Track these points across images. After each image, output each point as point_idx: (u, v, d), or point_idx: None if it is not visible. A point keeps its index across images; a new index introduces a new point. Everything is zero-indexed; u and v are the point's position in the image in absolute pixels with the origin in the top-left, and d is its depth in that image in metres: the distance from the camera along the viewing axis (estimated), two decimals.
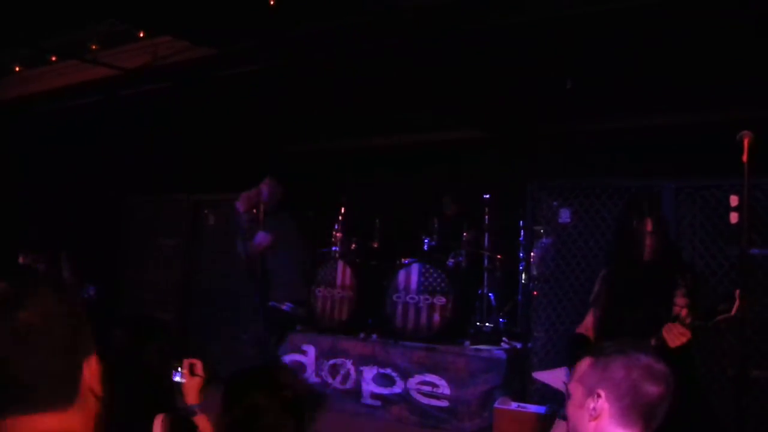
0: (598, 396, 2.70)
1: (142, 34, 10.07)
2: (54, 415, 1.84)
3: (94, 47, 10.38)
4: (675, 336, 4.89)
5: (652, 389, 2.65)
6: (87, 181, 7.98)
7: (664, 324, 4.97)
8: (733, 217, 6.48)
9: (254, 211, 9.06)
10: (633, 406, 2.66)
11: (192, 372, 4.07)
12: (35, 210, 11.17)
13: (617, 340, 3.00)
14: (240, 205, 9.19)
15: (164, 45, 10.07)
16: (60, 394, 1.88)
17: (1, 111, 12.81)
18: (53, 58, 11.19)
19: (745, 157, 4.96)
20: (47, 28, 10.19)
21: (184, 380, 4.07)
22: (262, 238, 9.01)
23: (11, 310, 1.85)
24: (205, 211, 11.94)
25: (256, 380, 3.41)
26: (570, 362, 4.92)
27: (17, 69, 11.76)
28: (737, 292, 4.75)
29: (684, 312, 4.96)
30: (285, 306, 8.90)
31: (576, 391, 2.79)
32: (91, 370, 1.93)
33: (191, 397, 4.02)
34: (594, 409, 2.69)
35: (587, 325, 5.82)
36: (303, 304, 9.50)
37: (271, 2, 8.24)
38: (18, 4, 9.14)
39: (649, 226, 5.56)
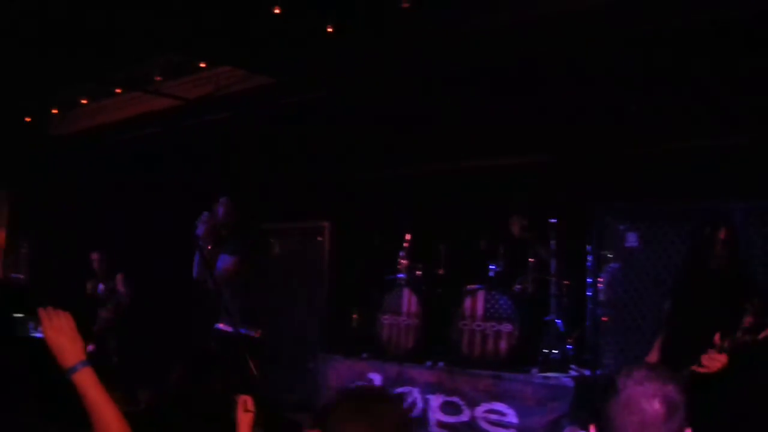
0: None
1: (203, 65, 10.16)
2: None
3: (157, 79, 10.51)
4: (710, 361, 4.81)
5: (631, 417, 2.49)
6: (152, 209, 8.04)
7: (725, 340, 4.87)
8: None
9: (215, 234, 8.68)
10: None
11: (245, 408, 4.00)
12: (100, 235, 11.30)
13: (633, 367, 2.85)
14: (199, 231, 8.75)
15: (224, 75, 10.15)
16: None
17: (69, 142, 13.01)
18: (118, 91, 11.34)
19: None
20: (112, 63, 10.34)
21: (238, 416, 3.99)
22: (225, 261, 8.59)
23: None
24: (271, 240, 11.96)
25: (355, 408, 3.37)
26: None
27: (84, 102, 11.94)
28: None
29: (717, 337, 4.87)
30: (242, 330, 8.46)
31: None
32: None
33: None
34: None
35: (653, 356, 5.70)
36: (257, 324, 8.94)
37: (329, 30, 8.25)
38: (84, 40, 9.28)
39: (722, 235, 5.45)
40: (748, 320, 5.04)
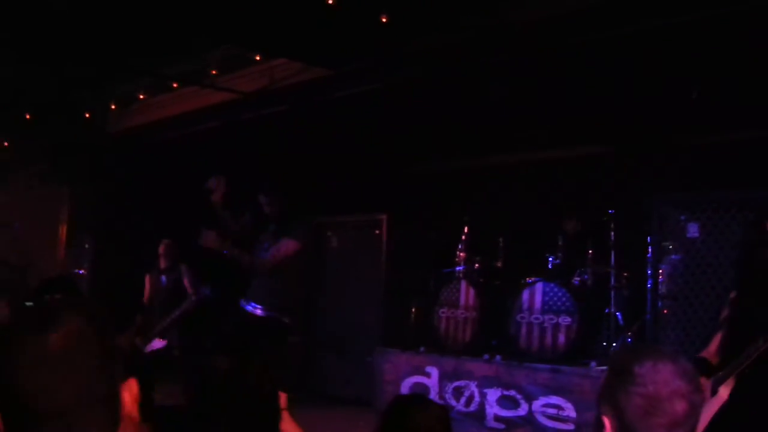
0: (603, 425, 2.47)
1: (258, 58, 10.15)
2: None
3: (213, 72, 10.52)
4: None
5: (660, 419, 2.39)
6: (209, 204, 8.03)
7: None
8: None
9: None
10: None
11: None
12: (159, 231, 11.34)
13: (636, 347, 2.73)
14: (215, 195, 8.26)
15: (280, 67, 10.13)
16: (102, 422, 1.78)
17: (127, 138, 13.11)
18: (174, 85, 11.39)
19: None
20: (168, 57, 10.38)
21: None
22: (287, 246, 8.11)
23: (41, 333, 1.75)
24: (329, 233, 11.96)
25: (419, 405, 3.35)
26: None
27: (142, 97, 12.01)
28: None
29: None
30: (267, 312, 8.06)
31: (597, 408, 2.59)
32: (131, 395, 1.85)
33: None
34: None
35: (712, 349, 5.55)
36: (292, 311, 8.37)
37: (383, 19, 8.19)
38: (140, 35, 9.33)
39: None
40: None
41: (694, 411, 2.39)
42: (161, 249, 10.47)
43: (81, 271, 14.37)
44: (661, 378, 2.39)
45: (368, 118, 10.53)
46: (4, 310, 5.62)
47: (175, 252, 10.45)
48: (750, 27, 7.34)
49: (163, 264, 10.41)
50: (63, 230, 14.66)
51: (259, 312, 7.95)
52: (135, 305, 10.20)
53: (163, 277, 10.40)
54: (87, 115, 13.04)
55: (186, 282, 10.15)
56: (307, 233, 8.47)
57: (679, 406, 2.36)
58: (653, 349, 2.60)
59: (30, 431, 1.74)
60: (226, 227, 8.06)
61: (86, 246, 14.33)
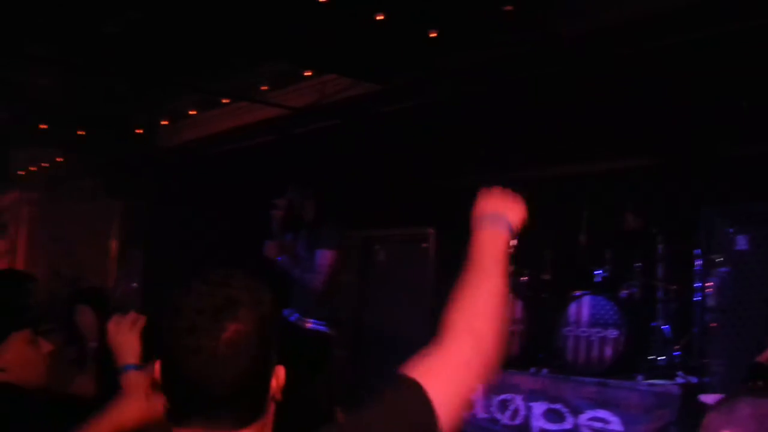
0: None
1: (308, 74, 10.26)
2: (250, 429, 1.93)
3: (263, 88, 10.64)
4: None
5: None
6: (261, 220, 8.12)
7: None
8: None
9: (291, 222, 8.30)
10: None
11: None
12: (212, 248, 11.44)
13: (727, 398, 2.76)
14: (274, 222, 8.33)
15: (330, 83, 10.24)
16: (259, 406, 1.98)
17: (178, 153, 13.27)
18: (225, 101, 11.53)
19: None
20: (218, 73, 10.52)
21: None
22: (324, 257, 8.04)
23: (217, 322, 1.91)
24: (376, 247, 11.98)
25: None
26: (745, 392, 4.64)
27: (192, 113, 12.17)
28: None
29: None
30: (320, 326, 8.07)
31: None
32: (278, 381, 2.04)
33: None
34: None
35: (765, 353, 5.52)
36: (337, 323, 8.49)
37: (432, 35, 8.26)
38: (190, 52, 9.47)
39: None
40: None
41: None
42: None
43: (133, 285, 14.54)
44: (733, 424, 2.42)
45: (416, 132, 10.59)
46: (89, 317, 5.70)
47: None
48: None
49: None
50: (114, 244, 14.86)
51: (304, 323, 8.00)
52: None
53: None
54: (139, 131, 13.22)
55: None
56: (341, 238, 8.44)
57: None
58: (741, 394, 2.61)
59: (195, 414, 1.90)
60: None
61: (137, 260, 14.51)
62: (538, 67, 8.87)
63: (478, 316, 2.45)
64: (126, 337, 3.20)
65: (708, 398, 5.85)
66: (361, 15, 8.24)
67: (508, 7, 8.04)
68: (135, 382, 3.11)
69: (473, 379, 2.31)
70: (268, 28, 8.71)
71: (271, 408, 2.03)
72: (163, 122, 12.86)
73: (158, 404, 2.01)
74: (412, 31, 8.51)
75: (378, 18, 8.14)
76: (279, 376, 2.05)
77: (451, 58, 9.00)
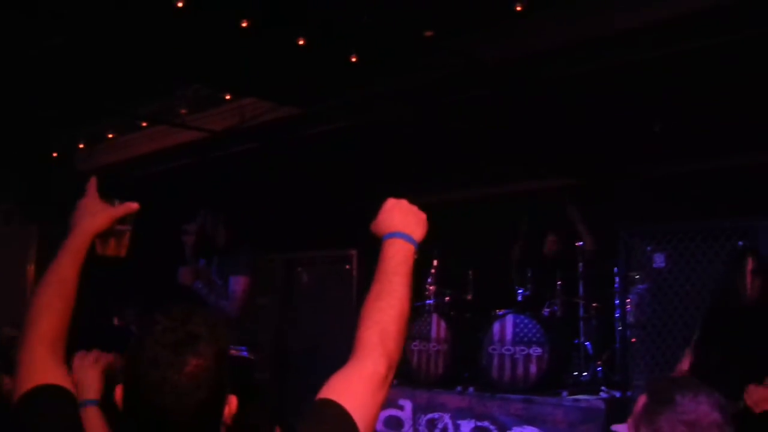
0: None
1: (228, 97, 10.26)
2: None
3: (182, 112, 10.61)
4: (760, 400, 4.75)
5: None
6: (178, 245, 8.09)
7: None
8: None
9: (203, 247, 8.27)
10: None
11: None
12: (129, 273, 11.33)
13: (676, 379, 2.92)
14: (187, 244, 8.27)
15: (250, 106, 10.24)
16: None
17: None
18: (144, 124, 11.46)
19: None
20: (138, 97, 10.46)
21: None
22: (237, 283, 7.94)
23: (178, 356, 2.09)
24: (299, 269, 12.02)
25: None
26: None
27: (110, 136, 12.07)
28: None
29: None
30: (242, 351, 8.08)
31: (631, 430, 2.72)
32: (230, 408, 2.27)
33: None
34: None
35: (682, 368, 5.69)
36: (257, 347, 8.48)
37: (353, 59, 8.33)
38: (109, 75, 9.40)
39: (749, 265, 5.43)
40: None
41: None
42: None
43: None
44: (702, 409, 2.55)
45: (337, 155, 10.66)
46: None
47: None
48: (711, 62, 7.56)
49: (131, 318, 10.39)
50: (31, 270, 14.60)
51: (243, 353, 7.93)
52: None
53: (133, 327, 10.31)
54: (54, 154, 13.05)
55: None
56: (254, 263, 8.37)
57: None
58: (691, 380, 2.75)
59: None
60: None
61: None
62: (459, 91, 8.99)
63: (389, 333, 2.62)
64: (88, 373, 3.25)
65: (619, 428, 5.98)
66: (282, 39, 8.26)
67: (429, 33, 8.14)
68: (94, 416, 3.15)
69: (386, 394, 2.44)
70: (187, 52, 8.68)
71: None
72: (81, 146, 12.72)
73: None
74: (333, 56, 8.55)
75: (299, 42, 8.17)
76: (231, 404, 2.28)
77: (372, 82, 9.07)
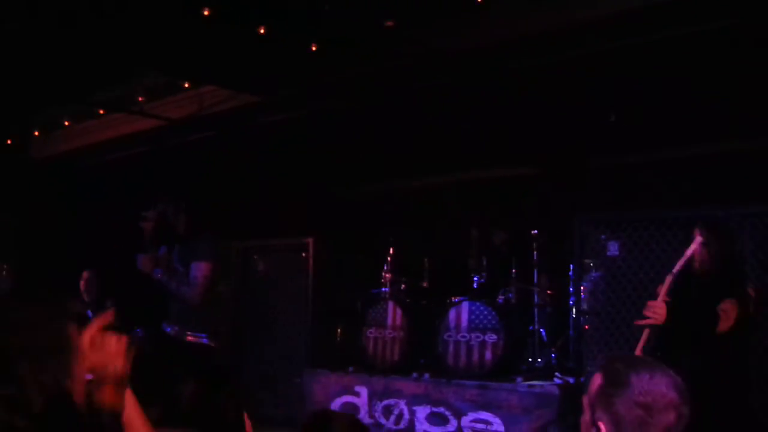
0: (599, 429, 2.68)
1: (187, 85, 10.25)
2: None
3: (140, 99, 10.59)
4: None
5: (655, 427, 2.59)
6: (136, 231, 8.05)
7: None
8: None
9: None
10: None
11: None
12: (85, 259, 11.27)
13: (630, 357, 2.97)
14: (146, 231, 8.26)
15: (209, 94, 10.25)
16: None
17: (52, 164, 13.04)
18: (101, 112, 11.42)
19: None
20: (95, 83, 10.41)
21: None
22: (199, 269, 8.05)
23: None
24: (255, 257, 12.02)
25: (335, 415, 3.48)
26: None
27: (67, 123, 12.00)
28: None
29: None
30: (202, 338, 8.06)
31: (586, 409, 2.78)
32: None
33: None
34: None
35: (639, 346, 5.83)
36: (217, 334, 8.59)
37: (313, 48, 8.38)
38: (66, 61, 9.35)
39: (698, 236, 5.57)
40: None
41: (684, 421, 2.61)
42: (82, 283, 10.31)
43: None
44: (657, 389, 2.61)
45: (295, 143, 10.70)
46: None
47: (99, 284, 10.33)
48: (664, 55, 7.71)
49: (86, 298, 10.28)
50: None
51: (184, 336, 7.88)
52: None
53: (89, 312, 10.21)
54: (8, 141, 12.96)
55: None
56: (216, 249, 8.34)
57: (672, 416, 2.59)
58: (647, 361, 2.80)
59: None
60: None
61: (4, 274, 14.16)
62: (418, 81, 9.08)
63: None
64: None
65: None
66: (243, 28, 8.28)
67: (389, 23, 8.21)
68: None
69: None
70: (147, 39, 8.68)
71: None
72: (35, 133, 12.64)
73: None
74: (293, 45, 8.59)
75: (260, 31, 8.20)
76: None
77: (331, 72, 9.13)
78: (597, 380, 2.78)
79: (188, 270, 7.87)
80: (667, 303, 5.37)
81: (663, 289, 5.42)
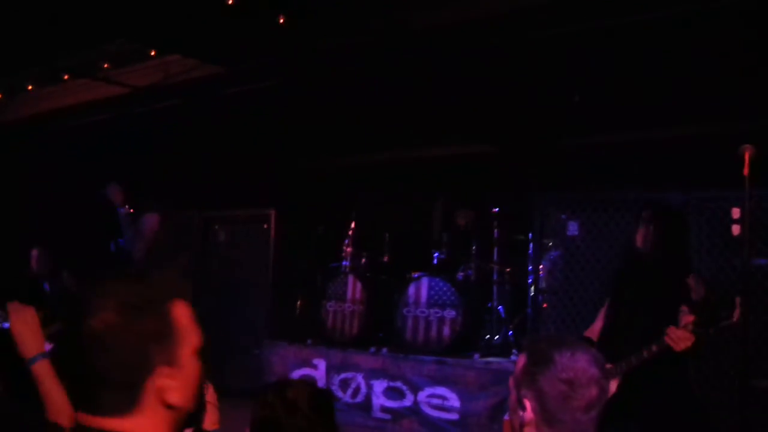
0: (524, 407, 2.74)
1: (153, 53, 10.19)
2: (114, 419, 1.97)
3: (105, 66, 10.52)
4: (679, 340, 4.95)
5: (578, 402, 2.67)
6: (98, 199, 8.06)
7: (666, 327, 5.04)
8: (735, 229, 6.57)
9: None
10: (560, 415, 2.69)
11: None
12: (45, 227, 11.21)
13: (552, 337, 3.03)
14: (111, 195, 8.36)
15: (175, 63, 10.20)
16: (120, 400, 1.99)
17: (14, 129, 12.92)
18: (66, 77, 11.32)
19: (746, 171, 5.04)
20: (60, 48, 10.31)
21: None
22: (149, 221, 8.06)
23: (82, 316, 1.97)
24: (216, 227, 12.01)
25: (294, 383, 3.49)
26: None
27: (30, 88, 11.89)
28: (738, 299, 4.81)
29: (689, 318, 5.02)
30: None
31: (512, 390, 2.85)
32: (164, 382, 2.01)
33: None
34: (522, 417, 2.75)
35: (595, 328, 5.90)
36: None
37: (281, 20, 8.36)
38: (31, 25, 9.26)
39: (646, 216, 5.64)
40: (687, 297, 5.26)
41: (605, 394, 2.69)
42: (33, 261, 10.24)
43: None
44: (579, 365, 2.68)
45: (259, 115, 10.69)
46: None
47: (50, 258, 10.25)
48: (629, 38, 7.77)
49: (36, 270, 10.20)
50: None
51: None
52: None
53: (46, 284, 10.14)
54: None
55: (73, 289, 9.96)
56: (165, 206, 8.42)
57: (594, 391, 2.66)
58: (568, 339, 2.88)
59: None
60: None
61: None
62: (382, 55, 9.08)
63: None
64: (30, 328, 3.25)
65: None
66: None
67: None
68: (46, 369, 3.19)
69: None
70: (113, 5, 8.61)
71: (162, 407, 2.07)
72: None
73: None
74: (260, 16, 8.56)
75: (228, 2, 8.17)
76: (164, 377, 2.07)
77: (298, 44, 9.11)
78: (521, 361, 2.84)
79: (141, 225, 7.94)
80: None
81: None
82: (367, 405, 8.97)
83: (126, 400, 1.97)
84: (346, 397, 9.10)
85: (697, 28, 7.52)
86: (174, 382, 2.01)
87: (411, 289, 9.17)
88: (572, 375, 2.67)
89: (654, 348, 5.05)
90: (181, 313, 2.11)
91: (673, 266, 5.61)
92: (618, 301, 5.81)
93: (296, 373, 9.54)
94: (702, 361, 6.97)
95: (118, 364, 1.95)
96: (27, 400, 3.26)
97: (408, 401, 8.68)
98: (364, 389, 9.04)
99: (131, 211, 8.22)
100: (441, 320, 8.89)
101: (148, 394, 1.98)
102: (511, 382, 2.86)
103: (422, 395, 8.59)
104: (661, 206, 5.94)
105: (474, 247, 9.38)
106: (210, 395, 4.05)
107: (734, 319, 4.84)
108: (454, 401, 8.35)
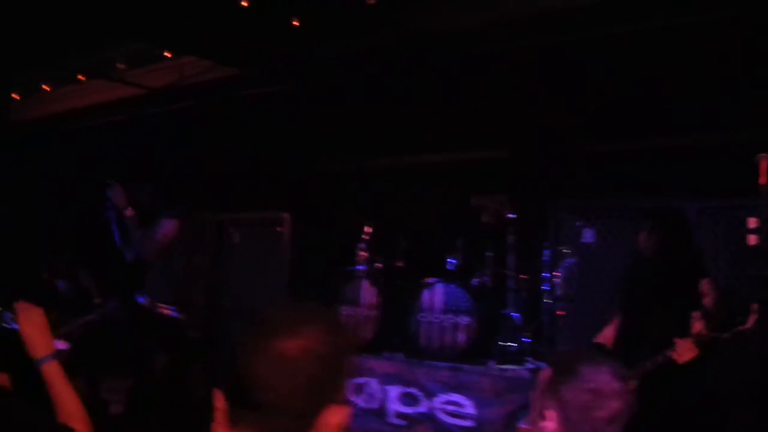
0: (548, 418, 2.73)
1: (168, 54, 10.19)
2: None
3: (121, 67, 10.52)
4: (684, 351, 4.94)
5: (601, 413, 2.67)
6: (109, 200, 8.06)
7: (675, 335, 5.03)
8: (752, 239, 6.51)
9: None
10: (582, 426, 2.68)
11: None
12: (60, 226, 11.22)
13: (577, 351, 3.04)
14: (114, 198, 8.32)
15: (189, 65, 10.20)
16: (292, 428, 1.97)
17: (30, 129, 12.95)
18: (81, 78, 11.33)
19: (762, 179, 5.01)
20: (75, 49, 10.33)
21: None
22: (165, 226, 8.20)
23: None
24: (231, 230, 11.99)
25: None
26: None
27: (46, 88, 11.91)
28: (754, 305, 4.78)
29: (699, 325, 5.00)
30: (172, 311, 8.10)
31: (536, 403, 2.84)
32: (335, 420, 2.00)
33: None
34: (543, 428, 2.74)
35: (607, 334, 5.88)
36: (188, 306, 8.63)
37: (295, 23, 8.35)
38: (47, 25, 9.27)
39: (645, 223, 5.65)
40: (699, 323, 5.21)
41: (627, 409, 2.68)
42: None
43: None
44: (603, 378, 2.67)
45: (274, 117, 10.68)
46: None
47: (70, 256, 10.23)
48: (643, 45, 7.73)
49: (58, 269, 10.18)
50: None
51: (156, 307, 7.89)
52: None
53: (62, 283, 10.12)
54: None
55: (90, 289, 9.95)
56: (183, 211, 8.41)
57: (617, 404, 2.66)
58: (592, 352, 2.89)
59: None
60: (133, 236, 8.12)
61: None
62: (396, 60, 9.06)
63: None
64: (39, 329, 3.23)
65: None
66: (226, 0, 8.26)
67: (371, 1, 8.19)
68: (56, 370, 3.17)
69: None
70: (129, 6, 8.62)
71: None
72: (15, 96, 12.53)
73: None
74: (275, 19, 8.56)
75: (243, 4, 8.17)
76: (337, 415, 2.06)
77: (312, 47, 9.10)
78: (546, 373, 2.89)
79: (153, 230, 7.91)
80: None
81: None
82: (381, 410, 8.93)
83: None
84: (360, 402, 9.06)
85: (714, 37, 7.47)
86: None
87: (426, 295, 9.13)
88: (596, 386, 2.70)
89: (659, 359, 5.04)
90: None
91: (679, 272, 5.59)
92: (627, 307, 5.80)
93: None
94: (719, 367, 6.91)
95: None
96: (37, 402, 3.25)
97: (423, 407, 8.64)
98: (378, 395, 8.99)
99: (133, 214, 8.17)
100: (455, 326, 8.85)
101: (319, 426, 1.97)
102: (534, 395, 2.87)
103: (437, 401, 8.54)
104: (659, 212, 5.94)
105: (489, 254, 9.31)
106: (219, 401, 4.02)
107: (749, 325, 4.82)
108: (469, 408, 8.29)
